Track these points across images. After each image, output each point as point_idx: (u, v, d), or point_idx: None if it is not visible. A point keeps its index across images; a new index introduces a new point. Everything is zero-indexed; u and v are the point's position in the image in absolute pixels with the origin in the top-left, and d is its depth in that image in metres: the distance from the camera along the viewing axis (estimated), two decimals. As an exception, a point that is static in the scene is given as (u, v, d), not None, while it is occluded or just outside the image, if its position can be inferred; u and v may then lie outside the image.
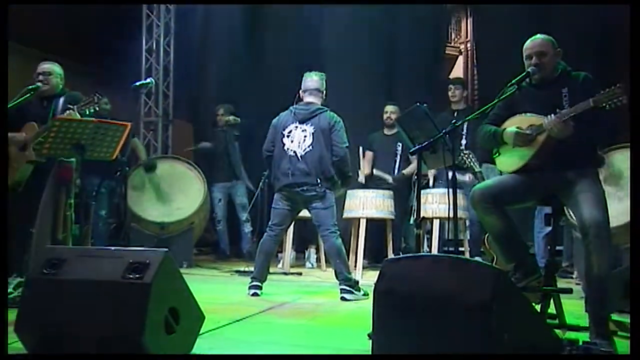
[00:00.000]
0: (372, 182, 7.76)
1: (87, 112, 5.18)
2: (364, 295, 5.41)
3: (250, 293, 5.53)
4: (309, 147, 5.54)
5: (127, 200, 7.05)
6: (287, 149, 5.61)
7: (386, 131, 7.96)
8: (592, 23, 7.98)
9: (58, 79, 5.59)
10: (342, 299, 5.40)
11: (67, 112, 5.21)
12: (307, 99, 5.77)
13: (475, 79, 9.58)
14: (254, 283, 5.58)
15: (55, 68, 5.61)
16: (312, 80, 5.80)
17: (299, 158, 5.55)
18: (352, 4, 8.75)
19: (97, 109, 5.26)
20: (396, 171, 7.82)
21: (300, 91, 5.82)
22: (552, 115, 3.68)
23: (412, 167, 7.74)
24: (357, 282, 5.54)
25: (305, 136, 5.58)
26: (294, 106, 5.79)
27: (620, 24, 8.54)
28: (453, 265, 2.81)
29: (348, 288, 5.41)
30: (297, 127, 5.64)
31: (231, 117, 8.57)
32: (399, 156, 7.83)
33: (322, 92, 5.81)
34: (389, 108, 7.89)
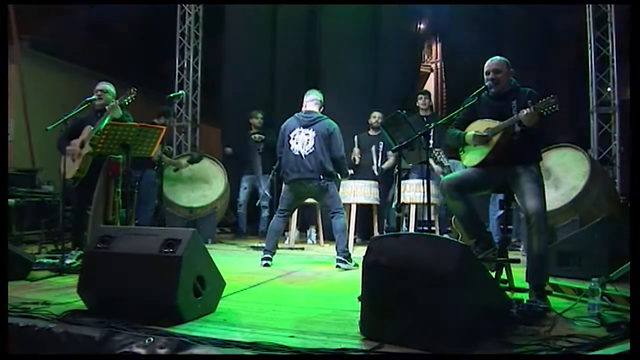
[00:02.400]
0: (358, 174, 7.72)
1: (125, 102, 5.27)
2: (354, 265, 5.40)
3: (262, 264, 5.53)
4: (311, 148, 5.54)
5: (163, 189, 7.05)
6: (293, 149, 5.61)
7: (371, 132, 7.92)
8: (535, 50, 8.04)
9: (110, 96, 5.64)
10: (337, 267, 5.40)
11: (111, 104, 5.35)
12: (309, 107, 5.78)
13: (444, 92, 9.58)
14: (266, 255, 5.58)
15: (108, 87, 5.67)
16: (313, 94, 5.84)
17: (303, 157, 5.55)
18: (349, 16, 8.77)
19: (133, 98, 5.30)
20: (379, 164, 7.78)
21: (304, 102, 5.83)
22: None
23: (389, 163, 7.76)
24: (350, 255, 5.54)
25: (308, 139, 5.58)
26: (298, 113, 5.79)
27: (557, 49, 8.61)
28: (427, 242, 2.82)
29: (343, 259, 5.42)
30: (300, 131, 5.64)
31: (256, 136, 8.49)
32: (381, 152, 7.81)
33: (321, 103, 5.82)
34: (377, 114, 7.86)
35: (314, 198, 5.94)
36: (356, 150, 7.82)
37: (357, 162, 7.75)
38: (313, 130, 5.60)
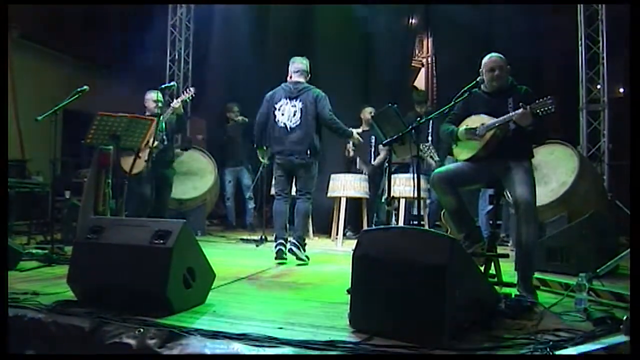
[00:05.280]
0: (353, 168, 7.76)
1: (187, 99, 6.11)
2: (306, 256, 5.37)
3: (276, 250, 5.34)
4: (298, 120, 5.40)
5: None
6: (279, 121, 5.46)
7: (363, 127, 7.86)
8: (526, 47, 8.05)
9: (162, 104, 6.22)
10: (290, 251, 5.29)
11: (176, 103, 6.19)
12: (295, 78, 5.59)
13: (435, 86, 9.61)
14: (279, 241, 5.37)
15: (160, 96, 6.19)
16: (300, 63, 5.62)
17: (289, 129, 5.41)
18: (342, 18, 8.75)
19: (193, 96, 6.16)
20: (372, 159, 7.79)
21: (290, 72, 5.64)
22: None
23: (380, 159, 7.72)
24: (306, 244, 5.46)
25: (295, 111, 5.42)
26: (284, 83, 5.62)
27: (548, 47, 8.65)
28: (417, 235, 2.83)
29: (297, 244, 5.32)
30: (287, 102, 5.47)
31: (240, 118, 8.57)
32: (373, 147, 7.82)
33: (307, 73, 5.64)
34: (370, 109, 7.80)
35: (295, 174, 5.64)
36: (350, 146, 7.80)
37: (351, 156, 7.75)
38: (300, 101, 5.45)
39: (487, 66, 3.95)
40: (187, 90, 6.26)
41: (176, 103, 6.23)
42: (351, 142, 7.38)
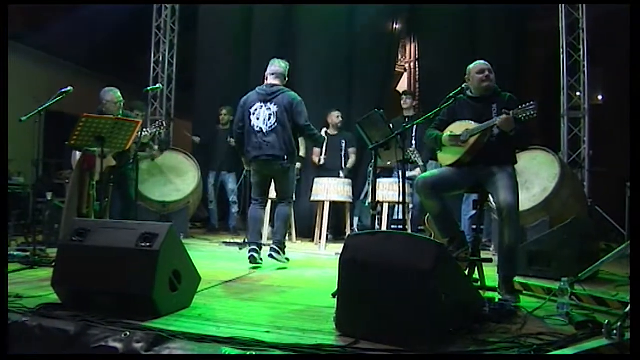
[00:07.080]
0: (323, 172, 7.67)
1: (157, 133, 6.18)
2: (286, 259, 5.37)
3: (249, 255, 5.22)
4: (273, 124, 5.28)
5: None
6: (254, 125, 5.34)
7: (331, 131, 7.86)
8: (509, 54, 8.13)
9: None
10: (270, 256, 5.25)
11: (145, 134, 6.00)
12: (271, 80, 5.48)
13: (417, 92, 9.64)
14: (252, 247, 5.25)
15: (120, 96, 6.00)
16: (278, 66, 5.51)
17: (265, 134, 5.29)
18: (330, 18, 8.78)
19: (166, 130, 6.09)
20: (343, 163, 7.81)
21: (266, 74, 5.53)
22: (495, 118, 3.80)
23: (352, 161, 7.77)
24: (285, 247, 5.43)
25: (270, 114, 5.31)
26: (259, 87, 5.52)
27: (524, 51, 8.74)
28: (403, 240, 2.85)
29: (277, 249, 5.28)
30: (262, 106, 5.35)
31: (232, 139, 8.41)
32: (343, 151, 7.84)
33: (285, 77, 5.54)
34: (338, 113, 7.89)
35: (274, 179, 5.57)
36: (317, 150, 7.83)
37: (322, 163, 7.77)
38: (275, 104, 5.32)
39: (476, 69, 4.01)
40: (161, 124, 6.14)
41: (146, 135, 6.04)
42: (324, 150, 7.46)
